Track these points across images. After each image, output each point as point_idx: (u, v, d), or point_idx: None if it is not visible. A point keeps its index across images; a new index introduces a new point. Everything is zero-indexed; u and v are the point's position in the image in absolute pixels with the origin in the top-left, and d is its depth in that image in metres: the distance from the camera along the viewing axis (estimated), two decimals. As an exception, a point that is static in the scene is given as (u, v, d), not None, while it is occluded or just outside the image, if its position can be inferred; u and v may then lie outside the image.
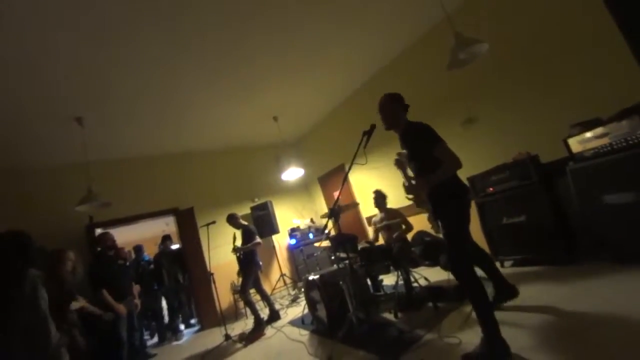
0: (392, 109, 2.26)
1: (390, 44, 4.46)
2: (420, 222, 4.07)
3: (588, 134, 2.66)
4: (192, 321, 5.78)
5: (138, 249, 5.70)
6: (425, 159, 2.09)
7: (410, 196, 2.38)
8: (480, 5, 3.69)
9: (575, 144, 2.75)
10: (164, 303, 5.49)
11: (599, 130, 2.59)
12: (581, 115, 2.86)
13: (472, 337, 2.14)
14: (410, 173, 2.40)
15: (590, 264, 2.80)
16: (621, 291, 2.20)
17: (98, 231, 4.74)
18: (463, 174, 3.46)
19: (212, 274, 4.20)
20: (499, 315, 1.94)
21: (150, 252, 6.27)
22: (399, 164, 2.35)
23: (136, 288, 4.82)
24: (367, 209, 5.50)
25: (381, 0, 3.51)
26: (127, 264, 5.44)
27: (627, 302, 2.02)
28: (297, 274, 6.09)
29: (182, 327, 5.48)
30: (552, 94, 3.27)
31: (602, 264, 2.69)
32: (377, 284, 3.92)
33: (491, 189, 3.39)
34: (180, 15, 2.90)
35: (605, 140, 2.56)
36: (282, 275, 5.88)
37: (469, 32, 2.99)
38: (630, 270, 2.44)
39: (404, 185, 2.40)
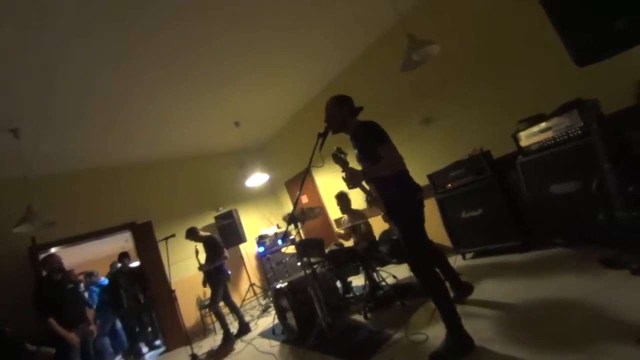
0: (337, 112, 2.20)
1: (347, 47, 4.50)
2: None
3: (533, 129, 2.82)
4: (157, 342, 5.43)
5: (88, 275, 5.30)
6: (374, 160, 2.02)
7: (351, 186, 2.28)
8: (432, 8, 3.82)
9: (523, 138, 2.91)
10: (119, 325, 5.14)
11: (543, 124, 2.75)
12: (527, 111, 3.03)
13: (438, 332, 2.16)
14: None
15: (543, 251, 2.95)
16: (572, 275, 2.33)
17: (50, 252, 4.31)
18: (423, 172, 3.60)
19: (173, 291, 3.96)
20: (461, 308, 1.97)
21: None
22: (337, 159, 2.23)
23: (90, 312, 4.46)
24: (335, 210, 5.49)
25: (335, 6, 3.53)
26: (81, 286, 5.04)
27: (578, 285, 2.15)
28: (267, 283, 5.94)
29: (144, 349, 5.13)
30: (500, 93, 3.45)
31: (553, 250, 2.86)
32: (347, 286, 3.90)
33: (450, 184, 3.50)
34: (131, 14, 2.71)
35: (549, 134, 2.71)
36: (251, 285, 5.70)
37: (423, 34, 3.07)
38: (578, 253, 2.60)
39: (343, 178, 2.24)
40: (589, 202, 2.46)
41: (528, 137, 2.86)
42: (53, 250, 4.49)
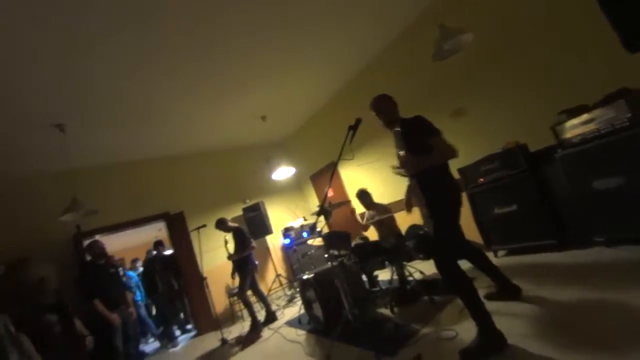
0: (389, 107, 2.33)
1: (374, 40, 4.43)
2: (412, 216, 4.05)
3: (575, 121, 2.66)
4: (188, 326, 5.71)
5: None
6: (421, 152, 2.07)
7: (403, 171, 2.34)
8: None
9: (564, 130, 2.75)
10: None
11: (585, 116, 2.59)
12: (567, 102, 2.86)
13: (468, 329, 2.13)
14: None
15: (582, 250, 2.81)
16: (610, 275, 2.22)
17: (94, 238, 4.63)
18: (454, 166, 3.49)
19: (205, 278, 4.14)
20: (494, 305, 1.93)
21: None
22: (400, 135, 2.28)
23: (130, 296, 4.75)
24: (359, 204, 5.48)
25: (357, 1, 3.48)
26: (120, 270, 5.36)
27: (619, 286, 2.03)
28: (293, 274, 6.05)
29: (177, 332, 5.41)
30: (537, 83, 3.27)
31: (593, 249, 2.72)
32: (373, 280, 3.90)
33: (482, 179, 3.39)
34: (160, 17, 2.82)
35: (592, 126, 2.56)
36: (277, 275, 5.83)
37: (452, 23, 2.97)
38: (618, 253, 2.46)
39: (394, 166, 2.41)
40: (635, 199, 2.31)
41: (569, 129, 2.71)
42: (96, 237, 4.80)
